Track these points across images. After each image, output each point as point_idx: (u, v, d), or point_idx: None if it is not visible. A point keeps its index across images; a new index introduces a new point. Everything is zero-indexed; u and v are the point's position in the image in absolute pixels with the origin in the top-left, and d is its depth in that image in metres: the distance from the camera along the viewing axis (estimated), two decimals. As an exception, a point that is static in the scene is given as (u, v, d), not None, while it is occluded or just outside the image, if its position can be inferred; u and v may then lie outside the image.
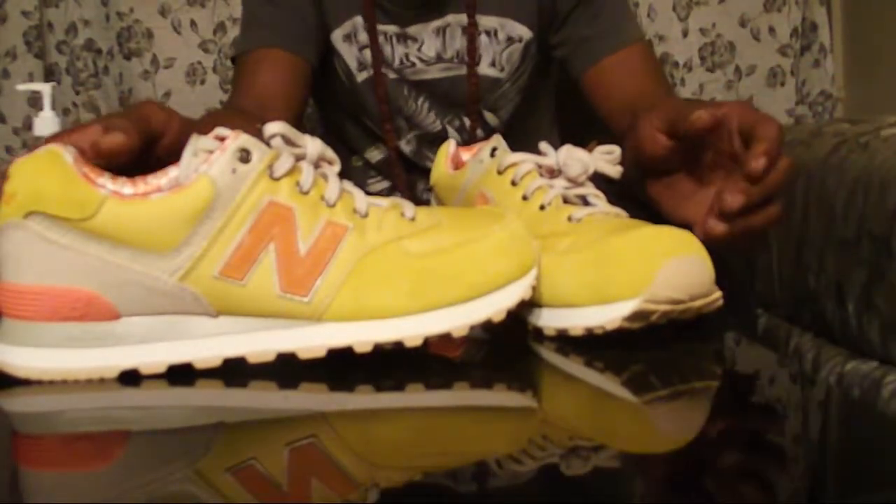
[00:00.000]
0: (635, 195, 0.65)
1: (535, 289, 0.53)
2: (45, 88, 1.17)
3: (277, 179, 0.45)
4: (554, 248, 0.53)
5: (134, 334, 0.45)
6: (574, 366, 0.49)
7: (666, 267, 0.48)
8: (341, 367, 0.47)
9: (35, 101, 1.41)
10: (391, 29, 0.95)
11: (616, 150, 0.60)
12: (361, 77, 0.98)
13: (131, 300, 0.44)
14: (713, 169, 0.61)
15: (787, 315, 1.21)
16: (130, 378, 0.44)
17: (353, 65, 0.98)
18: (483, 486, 0.33)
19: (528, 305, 0.54)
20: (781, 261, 1.21)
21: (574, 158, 0.57)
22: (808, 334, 1.14)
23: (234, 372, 0.45)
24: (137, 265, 0.44)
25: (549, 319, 0.52)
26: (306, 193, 0.46)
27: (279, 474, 0.34)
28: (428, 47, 0.96)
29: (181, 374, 0.43)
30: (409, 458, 0.36)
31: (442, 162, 0.67)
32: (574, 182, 0.57)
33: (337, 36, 0.97)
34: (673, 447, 0.38)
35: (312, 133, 1.37)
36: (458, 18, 0.95)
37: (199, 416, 0.42)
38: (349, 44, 0.97)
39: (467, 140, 0.99)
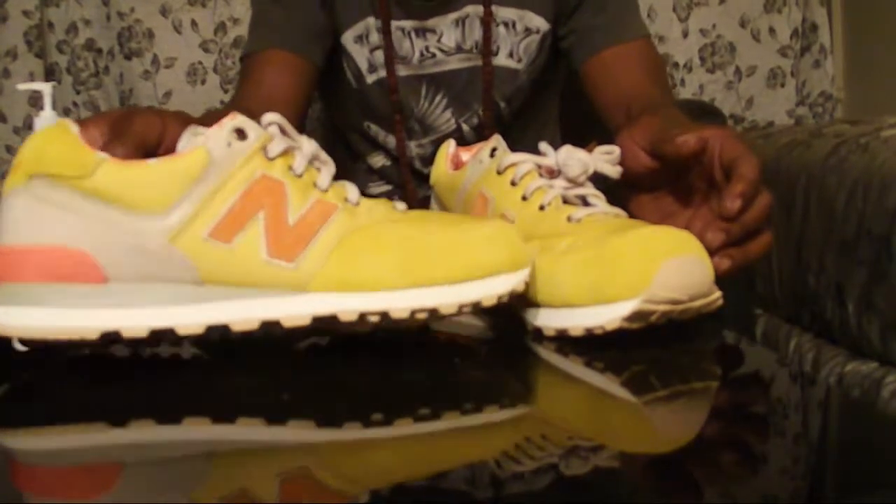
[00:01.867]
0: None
1: (532, 288, 0.53)
2: (46, 88, 1.17)
3: (272, 159, 0.47)
4: (554, 248, 0.53)
5: (119, 299, 0.45)
6: (574, 366, 0.49)
7: (665, 267, 0.48)
8: (331, 398, 0.46)
9: (35, 100, 1.42)
10: (408, 24, 0.95)
11: (616, 151, 0.60)
12: (371, 79, 0.98)
13: (120, 262, 0.45)
14: (694, 190, 0.61)
15: (787, 315, 1.21)
16: (118, 416, 0.42)
17: (363, 66, 0.98)
18: (483, 486, 0.33)
19: (528, 305, 0.54)
20: (781, 261, 1.21)
21: (574, 159, 0.57)
22: (808, 334, 1.15)
23: (222, 406, 0.43)
24: (129, 224, 0.44)
25: (548, 319, 0.52)
26: (299, 176, 0.47)
27: (273, 501, 0.33)
28: (448, 38, 0.96)
29: (169, 411, 0.42)
30: (409, 458, 0.36)
31: (442, 162, 0.67)
32: (574, 182, 0.57)
33: (348, 37, 0.97)
34: (673, 447, 0.38)
35: (313, 135, 1.38)
36: (477, 9, 0.95)
37: (189, 448, 0.40)
38: (360, 45, 0.97)
39: (483, 139, 0.99)
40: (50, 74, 1.55)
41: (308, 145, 0.49)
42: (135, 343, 0.46)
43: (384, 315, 0.46)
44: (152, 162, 0.45)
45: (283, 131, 0.49)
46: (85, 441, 0.40)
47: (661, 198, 0.63)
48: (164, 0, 1.53)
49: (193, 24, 1.53)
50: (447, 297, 0.47)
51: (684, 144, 0.58)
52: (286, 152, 0.48)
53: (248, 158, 0.46)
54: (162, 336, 0.45)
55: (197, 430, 0.39)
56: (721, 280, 0.51)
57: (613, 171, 0.59)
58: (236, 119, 0.46)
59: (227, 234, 0.45)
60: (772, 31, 1.58)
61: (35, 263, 0.44)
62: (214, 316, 0.45)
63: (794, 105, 1.60)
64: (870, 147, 1.02)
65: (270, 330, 0.46)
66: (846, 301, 1.02)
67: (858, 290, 1.00)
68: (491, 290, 0.48)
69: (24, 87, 1.26)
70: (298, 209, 0.46)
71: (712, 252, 0.52)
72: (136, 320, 0.45)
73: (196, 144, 0.45)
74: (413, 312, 0.46)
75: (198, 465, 0.36)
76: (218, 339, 0.47)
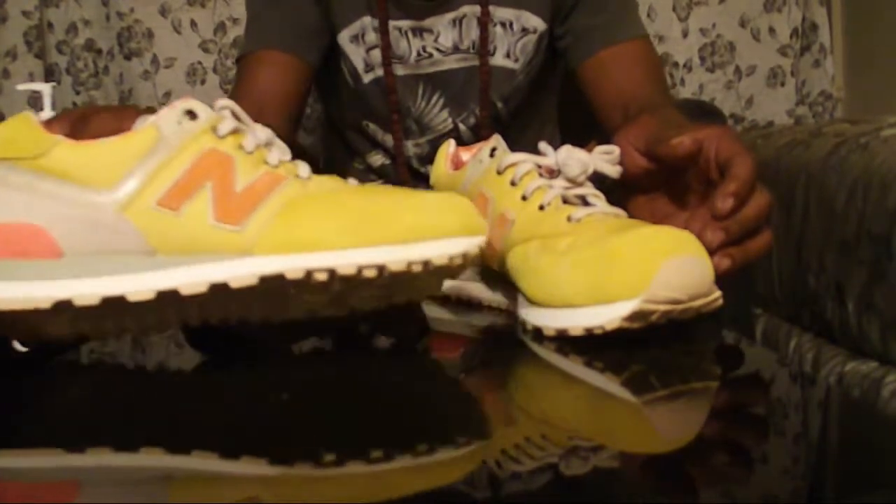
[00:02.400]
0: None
1: (532, 288, 0.53)
2: (46, 88, 1.17)
3: (222, 137, 0.48)
4: (553, 248, 0.53)
5: (74, 271, 0.46)
6: (574, 366, 0.49)
7: (665, 267, 0.48)
8: (330, 399, 0.46)
9: (35, 101, 1.41)
10: (406, 23, 0.96)
11: (616, 150, 0.60)
12: (368, 78, 0.98)
13: (74, 237, 0.46)
14: (691, 191, 0.61)
15: (787, 315, 1.21)
16: (73, 441, 0.42)
17: (359, 66, 0.98)
18: (483, 486, 0.33)
19: (528, 305, 0.54)
20: (781, 261, 1.21)
21: (573, 158, 0.57)
22: (808, 334, 1.15)
23: (177, 437, 0.42)
24: (82, 198, 0.46)
25: (548, 319, 0.52)
26: (249, 153, 0.48)
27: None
28: (444, 38, 0.96)
29: (125, 439, 0.41)
30: (412, 455, 0.36)
31: (442, 162, 0.67)
32: (573, 182, 0.57)
33: (344, 37, 0.97)
34: (673, 447, 0.38)
35: (313, 134, 1.37)
36: (474, 9, 0.95)
37: (145, 473, 0.40)
38: (357, 45, 0.97)
39: (480, 138, 0.99)
40: (49, 75, 1.55)
41: (262, 131, 0.50)
42: (89, 315, 0.46)
43: (331, 273, 0.45)
44: (104, 140, 0.47)
45: (235, 116, 0.49)
46: (37, 463, 0.39)
47: (658, 199, 0.63)
48: (164, 0, 1.53)
49: (193, 24, 1.53)
50: (395, 255, 0.46)
51: (679, 145, 0.58)
52: (236, 132, 0.49)
53: (197, 136, 0.47)
54: (113, 304, 0.46)
55: (151, 458, 0.38)
56: (720, 280, 0.51)
57: (613, 171, 0.59)
58: (188, 102, 0.48)
59: (175, 203, 0.46)
60: (772, 30, 1.58)
61: None
62: (164, 282, 0.46)
63: (794, 104, 1.60)
64: (870, 147, 1.02)
65: (218, 292, 0.46)
66: (846, 301, 1.02)
67: (858, 289, 1.00)
68: (442, 249, 0.47)
69: (23, 87, 1.26)
70: (247, 179, 0.47)
71: (712, 251, 0.52)
72: (87, 289, 0.46)
73: (147, 123, 0.47)
74: (360, 269, 0.46)
75: (150, 492, 0.36)
76: (174, 315, 0.47)
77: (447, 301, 0.64)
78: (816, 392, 0.52)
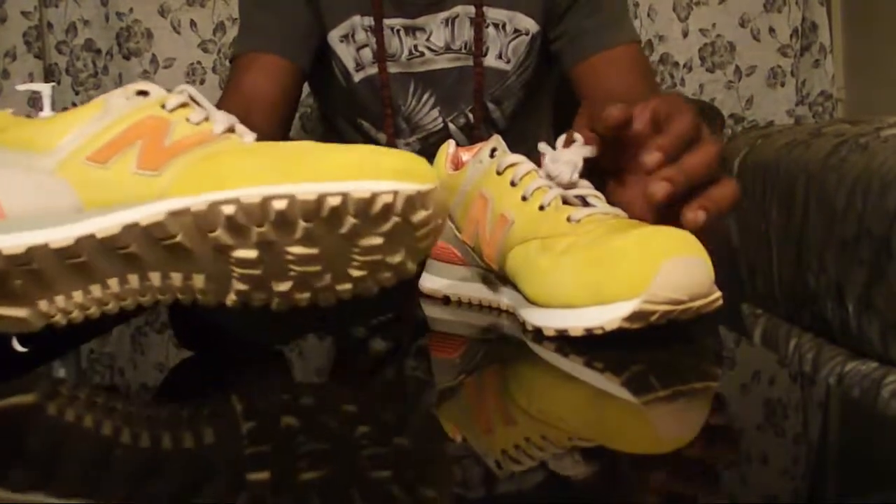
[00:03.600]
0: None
1: (532, 288, 0.53)
2: (45, 89, 1.17)
3: (169, 111, 0.48)
4: (553, 248, 0.53)
5: (13, 228, 0.47)
6: (574, 366, 0.49)
7: (665, 267, 0.48)
8: (329, 399, 0.46)
9: (35, 101, 1.42)
10: (398, 22, 0.96)
11: (579, 137, 0.58)
12: (359, 77, 0.99)
13: (18, 199, 0.47)
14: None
15: (787, 315, 1.21)
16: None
17: (350, 65, 0.98)
18: (483, 486, 0.33)
19: (528, 305, 0.54)
20: (781, 261, 1.21)
21: (561, 162, 0.56)
22: (808, 334, 1.15)
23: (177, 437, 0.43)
24: (27, 162, 0.48)
25: (548, 319, 0.52)
26: (195, 124, 0.48)
27: None
28: (437, 37, 0.96)
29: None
30: (412, 455, 0.36)
31: (441, 162, 0.67)
32: (569, 185, 0.56)
33: (334, 36, 0.97)
34: (673, 447, 0.38)
35: (312, 133, 1.38)
36: (467, 9, 0.96)
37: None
38: (346, 44, 0.97)
39: (470, 138, 1.00)
40: (49, 75, 1.55)
41: (222, 115, 0.49)
42: (19, 264, 0.46)
43: (236, 202, 0.43)
44: (55, 114, 0.50)
45: (192, 99, 0.50)
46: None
47: (625, 177, 0.61)
48: (163, 0, 1.53)
49: (192, 24, 1.53)
50: (308, 187, 0.44)
51: (608, 117, 0.56)
52: (185, 106, 0.49)
53: (142, 108, 0.48)
54: (37, 251, 0.46)
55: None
56: (719, 280, 0.51)
57: (592, 152, 0.58)
58: (142, 84, 0.50)
59: (104, 157, 0.47)
60: (771, 30, 1.58)
61: None
62: (84, 229, 0.46)
63: (794, 104, 1.60)
64: (869, 147, 1.02)
65: (130, 233, 0.45)
66: (846, 301, 1.02)
67: (858, 290, 1.00)
68: (364, 186, 0.44)
69: (23, 87, 1.25)
70: (178, 137, 0.47)
71: (662, 205, 0.51)
72: (15, 241, 0.46)
73: (97, 98, 0.49)
74: (266, 199, 0.43)
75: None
76: (105, 265, 0.47)
77: (447, 301, 0.64)
78: (816, 392, 0.52)
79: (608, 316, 0.49)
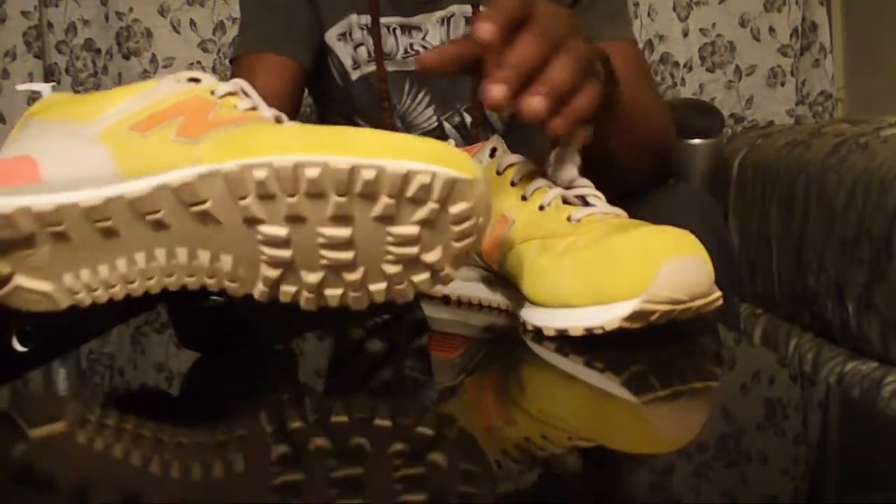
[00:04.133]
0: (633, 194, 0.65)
1: (532, 288, 0.53)
2: (45, 89, 1.17)
3: (219, 97, 0.49)
4: (553, 248, 0.53)
5: (45, 190, 0.47)
6: (574, 366, 0.49)
7: (665, 267, 0.48)
8: (327, 402, 0.46)
9: (35, 101, 1.42)
10: (394, 20, 0.96)
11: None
12: (356, 75, 0.99)
13: (56, 163, 0.47)
14: None
15: (787, 315, 1.21)
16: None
17: (347, 63, 0.98)
18: (483, 486, 0.33)
19: (528, 305, 0.54)
20: (781, 261, 1.21)
21: (565, 164, 0.56)
22: (808, 334, 1.15)
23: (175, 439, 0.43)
24: (70, 129, 0.49)
25: (548, 319, 0.52)
26: (242, 110, 0.48)
27: None
28: (432, 36, 0.97)
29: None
30: (409, 457, 0.36)
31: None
32: (569, 186, 0.57)
33: (331, 35, 0.98)
34: (673, 447, 0.38)
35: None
36: (462, 9, 0.96)
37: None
38: (344, 42, 0.98)
39: (466, 138, 1.00)
40: (49, 75, 1.55)
41: (270, 109, 0.49)
42: (48, 222, 0.46)
43: (268, 166, 0.43)
44: (106, 91, 0.51)
45: (244, 93, 0.50)
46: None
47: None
48: (163, 0, 1.53)
49: (192, 23, 1.53)
50: (341, 158, 0.43)
51: (420, 60, 0.52)
52: (233, 94, 0.49)
53: (192, 90, 0.49)
54: (66, 209, 0.46)
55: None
56: (718, 281, 0.51)
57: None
58: (196, 73, 0.50)
59: (146, 127, 0.47)
60: (772, 30, 1.58)
61: None
62: (115, 191, 0.46)
63: (794, 104, 1.60)
64: (869, 146, 1.02)
65: (161, 196, 0.45)
66: (846, 301, 1.02)
67: (858, 290, 1.00)
68: (399, 164, 0.43)
69: (23, 87, 1.25)
70: (222, 113, 0.47)
71: (502, 104, 0.48)
72: (46, 200, 0.46)
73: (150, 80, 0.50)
74: (298, 165, 0.42)
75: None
76: (133, 223, 0.46)
77: (447, 301, 0.64)
78: (816, 392, 0.52)
79: (608, 316, 0.49)
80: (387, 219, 0.44)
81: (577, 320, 0.50)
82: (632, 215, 0.56)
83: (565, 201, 0.56)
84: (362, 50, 0.97)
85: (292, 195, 0.43)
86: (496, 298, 0.61)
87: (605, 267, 0.49)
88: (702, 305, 0.49)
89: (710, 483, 0.33)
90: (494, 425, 0.41)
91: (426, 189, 0.43)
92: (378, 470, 0.34)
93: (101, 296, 0.48)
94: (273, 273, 0.46)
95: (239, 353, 0.53)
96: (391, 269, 0.46)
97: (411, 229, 0.44)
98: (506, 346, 0.54)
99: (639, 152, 0.68)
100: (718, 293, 0.50)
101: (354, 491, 0.32)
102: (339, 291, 0.47)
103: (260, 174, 0.43)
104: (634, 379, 0.46)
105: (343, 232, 0.44)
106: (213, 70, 1.51)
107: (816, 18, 1.58)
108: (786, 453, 0.37)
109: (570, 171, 0.56)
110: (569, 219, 0.55)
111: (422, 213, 0.44)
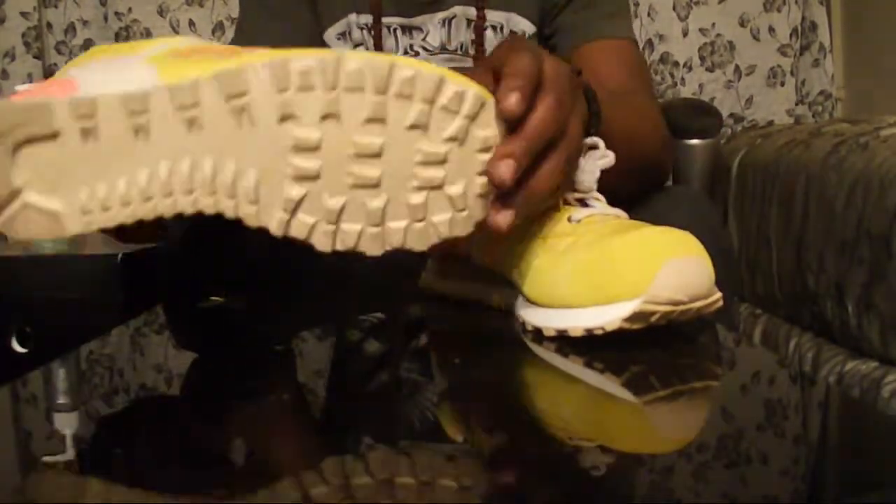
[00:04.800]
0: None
1: (532, 288, 0.53)
2: (45, 89, 1.17)
3: None
4: (554, 248, 0.53)
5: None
6: (574, 366, 0.49)
7: (666, 268, 0.48)
8: (326, 402, 0.46)
9: (34, 101, 1.42)
10: (395, 21, 0.96)
11: (600, 140, 0.58)
12: None
13: (98, 81, 0.47)
14: None
15: (787, 315, 1.21)
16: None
17: None
18: (482, 486, 0.33)
19: (528, 305, 0.54)
20: (781, 261, 1.21)
21: (585, 172, 0.56)
22: (808, 334, 1.15)
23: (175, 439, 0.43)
24: (117, 59, 0.49)
25: (548, 320, 0.52)
26: None
27: None
28: (433, 37, 0.96)
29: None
30: (411, 455, 0.36)
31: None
32: (587, 192, 0.56)
33: (330, 34, 0.98)
34: (673, 447, 0.38)
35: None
36: (465, 11, 0.96)
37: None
38: (343, 41, 0.98)
39: None
40: (48, 75, 1.55)
41: None
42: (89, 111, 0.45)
43: (313, 57, 0.43)
44: None
45: None
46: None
47: None
48: (162, 0, 1.53)
49: (191, 23, 1.53)
50: (381, 58, 0.44)
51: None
52: None
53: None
54: (103, 102, 0.45)
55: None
56: (718, 281, 0.51)
57: (607, 162, 0.58)
58: None
59: (188, 55, 0.47)
60: (771, 30, 1.58)
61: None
62: (158, 87, 0.46)
63: (794, 104, 1.60)
64: (869, 146, 1.02)
65: (203, 87, 0.44)
66: (846, 301, 1.02)
67: (858, 290, 1.00)
68: (434, 71, 0.45)
69: (22, 88, 1.26)
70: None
71: (509, 189, 0.47)
72: (84, 93, 0.46)
73: None
74: (340, 57, 0.43)
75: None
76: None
77: (447, 301, 0.64)
78: (816, 392, 0.52)
79: (608, 316, 0.49)
80: (419, 128, 0.45)
81: (577, 321, 0.50)
82: (631, 216, 0.56)
83: (565, 202, 0.56)
84: (361, 49, 0.97)
85: (333, 88, 0.43)
86: (496, 298, 0.61)
87: (606, 268, 0.49)
88: (702, 307, 0.49)
89: (710, 483, 0.33)
90: (494, 426, 0.41)
91: (458, 99, 0.45)
92: (378, 470, 0.34)
93: (114, 216, 0.46)
94: (296, 192, 0.45)
95: (238, 353, 0.53)
96: (414, 197, 0.46)
97: (440, 147, 0.45)
98: (506, 346, 0.54)
99: (627, 175, 0.65)
100: (719, 295, 0.50)
101: (354, 491, 0.32)
102: (356, 227, 0.46)
103: (303, 63, 0.43)
104: (634, 379, 0.46)
105: (375, 140, 0.44)
106: (213, 70, 1.51)
107: (816, 18, 1.58)
108: (786, 453, 0.37)
109: (591, 178, 0.56)
110: (569, 219, 0.54)
111: (452, 127, 0.45)
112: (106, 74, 0.47)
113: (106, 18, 1.51)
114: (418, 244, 0.47)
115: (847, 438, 0.41)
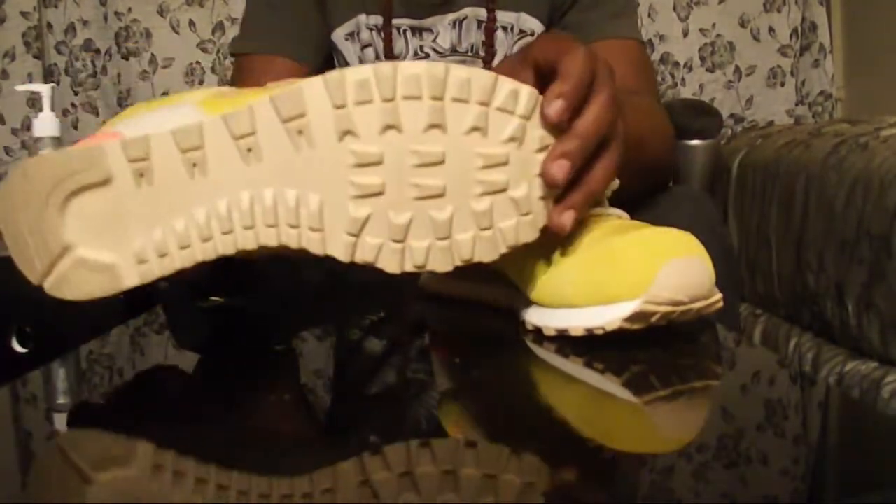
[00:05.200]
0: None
1: (532, 288, 0.53)
2: (45, 89, 1.17)
3: None
4: (554, 248, 0.53)
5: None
6: (574, 366, 0.49)
7: (666, 268, 0.48)
8: (327, 403, 0.46)
9: (34, 101, 1.42)
10: (405, 22, 0.96)
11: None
12: None
13: (143, 128, 0.46)
14: None
15: (787, 315, 1.21)
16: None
17: (353, 63, 0.98)
18: (482, 486, 0.33)
19: (528, 305, 0.54)
20: (781, 261, 1.21)
21: None
22: (808, 334, 1.15)
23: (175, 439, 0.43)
24: (158, 109, 0.48)
25: (549, 319, 0.52)
26: None
27: None
28: (443, 39, 0.96)
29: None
30: (411, 455, 0.36)
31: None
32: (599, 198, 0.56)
33: (339, 35, 0.97)
34: (673, 447, 0.38)
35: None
36: (475, 12, 0.95)
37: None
38: (351, 42, 0.97)
39: None
40: (48, 75, 1.55)
41: None
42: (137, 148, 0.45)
43: (368, 70, 0.43)
44: None
45: None
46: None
47: None
48: (162, 0, 1.53)
49: (191, 23, 1.53)
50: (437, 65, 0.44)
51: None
52: None
53: None
54: (156, 140, 0.44)
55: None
56: (718, 282, 0.51)
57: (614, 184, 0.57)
58: None
59: (235, 94, 0.47)
60: (771, 30, 1.58)
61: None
62: (209, 118, 0.45)
63: (794, 104, 1.60)
64: (869, 146, 1.02)
65: (258, 111, 0.44)
66: (846, 301, 1.02)
67: (858, 289, 1.00)
68: (488, 74, 0.46)
69: (22, 88, 1.26)
70: None
71: (561, 188, 0.46)
72: (135, 131, 0.46)
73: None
74: (397, 67, 0.43)
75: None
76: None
77: (447, 301, 0.64)
78: (816, 392, 0.52)
79: (609, 316, 0.49)
80: (478, 130, 0.44)
81: (578, 320, 0.50)
82: (632, 216, 0.56)
83: (565, 201, 0.56)
84: (370, 51, 0.97)
85: (390, 98, 0.43)
86: (496, 298, 0.61)
87: (606, 267, 0.49)
88: (702, 307, 0.49)
89: (710, 483, 0.33)
90: (494, 426, 0.41)
91: (513, 97, 0.44)
92: (377, 470, 0.34)
93: (172, 262, 0.44)
94: (360, 212, 0.44)
95: (238, 353, 0.53)
96: (479, 204, 0.45)
97: (500, 149, 0.45)
98: (506, 346, 0.54)
99: (636, 176, 0.65)
100: (719, 295, 0.50)
101: (355, 490, 0.32)
102: (424, 243, 0.45)
103: (359, 75, 0.43)
104: (634, 379, 0.46)
105: (436, 148, 0.44)
106: (212, 70, 1.51)
107: (816, 18, 1.58)
108: (786, 453, 0.37)
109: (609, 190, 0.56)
110: (569, 219, 0.54)
111: (510, 128, 0.45)
112: (153, 121, 0.46)
113: (106, 18, 1.51)
114: (487, 255, 0.47)
115: (847, 438, 0.41)
